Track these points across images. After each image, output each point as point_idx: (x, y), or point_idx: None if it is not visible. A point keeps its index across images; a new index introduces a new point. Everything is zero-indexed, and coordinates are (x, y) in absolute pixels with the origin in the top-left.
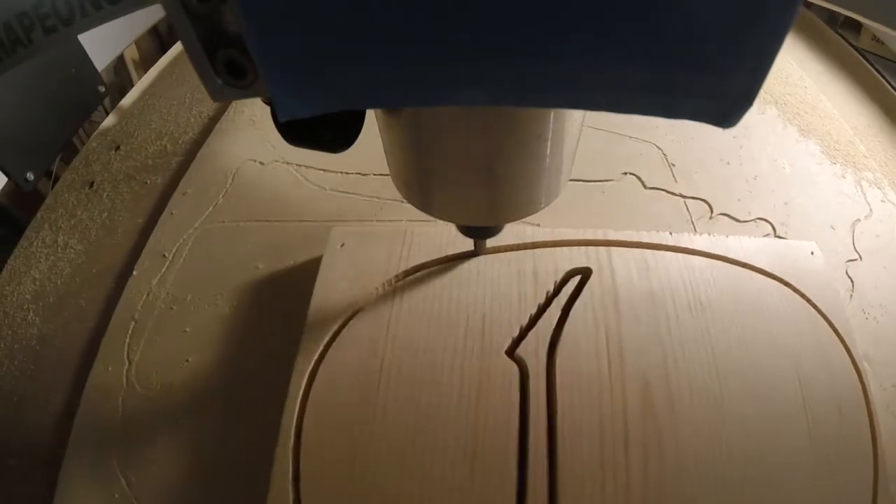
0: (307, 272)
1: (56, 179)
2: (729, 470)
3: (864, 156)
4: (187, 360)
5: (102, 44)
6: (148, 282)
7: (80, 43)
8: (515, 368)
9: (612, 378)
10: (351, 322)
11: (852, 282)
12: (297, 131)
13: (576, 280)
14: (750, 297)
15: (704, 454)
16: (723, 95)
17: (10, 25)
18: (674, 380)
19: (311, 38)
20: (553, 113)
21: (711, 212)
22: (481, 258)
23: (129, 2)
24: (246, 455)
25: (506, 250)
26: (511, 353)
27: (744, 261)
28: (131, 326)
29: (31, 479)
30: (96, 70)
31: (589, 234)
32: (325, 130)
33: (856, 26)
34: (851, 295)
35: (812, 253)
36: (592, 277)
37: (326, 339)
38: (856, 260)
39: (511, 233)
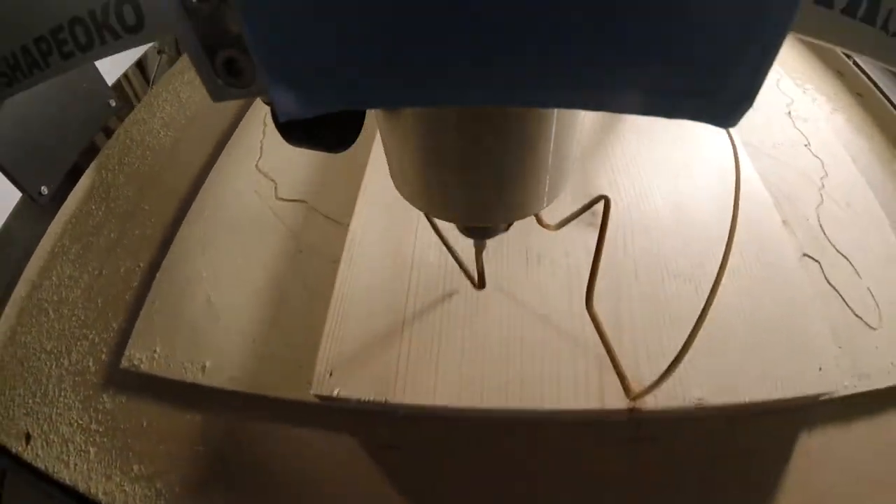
0: None
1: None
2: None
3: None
4: None
5: (113, 57)
6: None
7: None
8: None
9: None
10: None
11: None
12: (297, 131)
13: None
14: None
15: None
16: (723, 96)
17: (28, 49)
18: None
19: (311, 38)
20: (554, 112)
21: None
22: None
23: (148, 31)
24: None
25: None
26: None
27: None
28: (266, 109)
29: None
30: (107, 84)
31: None
32: (325, 130)
33: None
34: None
35: None
36: None
37: None
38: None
39: None
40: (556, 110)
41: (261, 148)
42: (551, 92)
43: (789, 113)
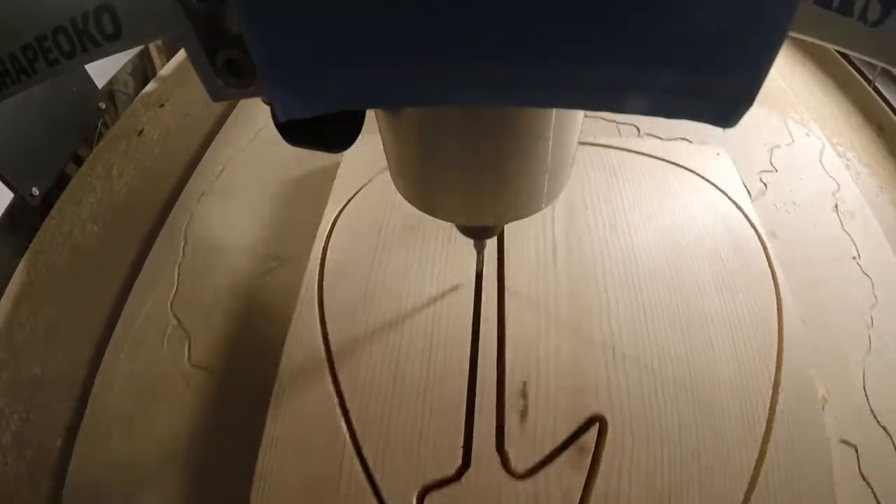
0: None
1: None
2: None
3: (794, 101)
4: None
5: (102, 62)
6: (209, 183)
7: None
8: None
9: None
10: None
11: (765, 185)
12: (297, 131)
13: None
14: (666, 181)
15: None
16: (723, 96)
17: (15, 56)
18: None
19: (311, 38)
20: (554, 112)
21: (639, 132)
22: None
23: (127, 39)
24: None
25: None
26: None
27: (660, 156)
28: (188, 215)
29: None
30: (97, 88)
31: None
32: (325, 130)
33: None
34: (765, 192)
35: (718, 154)
36: None
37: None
38: (770, 171)
39: None
40: (555, 110)
41: (177, 278)
42: (551, 92)
43: (836, 206)
